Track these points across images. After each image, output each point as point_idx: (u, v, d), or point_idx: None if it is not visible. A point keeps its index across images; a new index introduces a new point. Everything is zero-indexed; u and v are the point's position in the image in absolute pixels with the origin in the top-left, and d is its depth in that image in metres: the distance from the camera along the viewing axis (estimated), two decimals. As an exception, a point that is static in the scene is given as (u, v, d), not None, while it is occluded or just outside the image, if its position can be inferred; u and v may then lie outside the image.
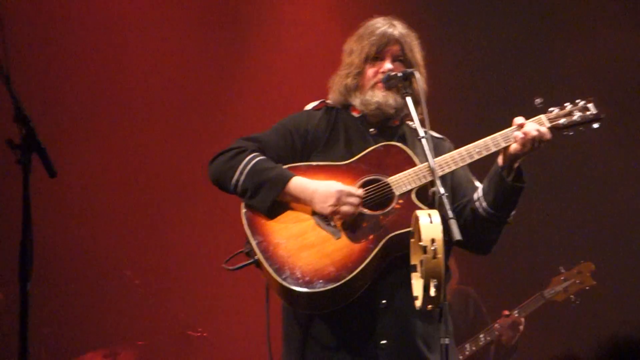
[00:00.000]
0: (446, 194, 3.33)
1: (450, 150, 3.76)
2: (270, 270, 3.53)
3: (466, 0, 7.46)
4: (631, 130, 7.17)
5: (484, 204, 3.65)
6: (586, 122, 3.72)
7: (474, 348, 6.04)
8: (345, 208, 3.56)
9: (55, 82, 7.16)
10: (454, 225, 3.23)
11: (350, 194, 3.57)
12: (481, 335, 6.06)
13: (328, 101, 3.89)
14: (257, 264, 3.60)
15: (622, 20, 7.24)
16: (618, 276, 6.74)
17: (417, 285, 3.25)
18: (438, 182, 3.35)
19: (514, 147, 3.59)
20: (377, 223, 3.58)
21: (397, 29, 3.80)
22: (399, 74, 3.68)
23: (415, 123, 3.55)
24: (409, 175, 3.63)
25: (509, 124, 3.65)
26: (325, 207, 3.58)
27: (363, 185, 3.66)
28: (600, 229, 7.24)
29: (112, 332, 6.97)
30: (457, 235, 3.21)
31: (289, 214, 3.65)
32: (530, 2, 7.44)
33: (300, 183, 3.62)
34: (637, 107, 7.20)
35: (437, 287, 3.16)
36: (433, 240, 3.16)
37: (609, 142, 7.13)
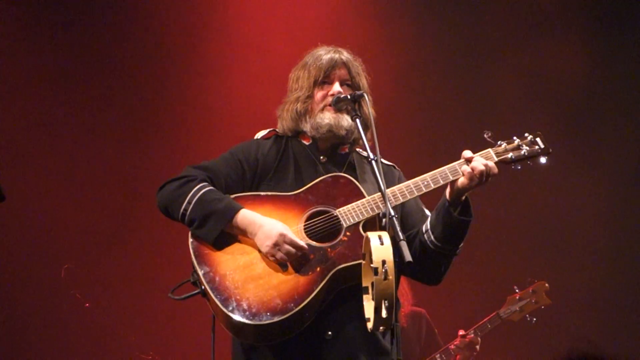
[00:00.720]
0: (396, 216, 3.34)
1: (399, 178, 3.80)
2: (217, 302, 3.51)
3: (414, 27, 7.49)
4: (580, 151, 7.26)
5: (432, 237, 3.67)
6: (534, 156, 3.79)
7: (430, 369, 6.06)
8: (279, 255, 3.55)
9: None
10: (404, 247, 3.24)
11: (291, 243, 3.55)
12: (437, 356, 6.07)
13: (277, 130, 3.89)
14: (204, 294, 3.58)
15: (566, 38, 7.35)
16: (571, 294, 6.79)
17: (368, 307, 3.26)
18: (388, 204, 3.36)
19: (462, 181, 3.61)
20: (324, 255, 3.58)
21: (343, 54, 3.84)
22: (348, 96, 3.70)
23: (365, 146, 3.57)
24: (358, 207, 3.63)
25: (458, 152, 3.67)
26: (264, 247, 3.57)
27: (310, 217, 3.65)
28: (552, 248, 7.30)
29: (61, 354, 6.87)
30: (407, 256, 3.22)
31: (236, 246, 3.64)
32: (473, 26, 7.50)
33: (247, 217, 3.61)
34: (583, 127, 7.29)
35: (389, 309, 3.17)
36: (384, 262, 3.17)
37: (559, 163, 7.21)
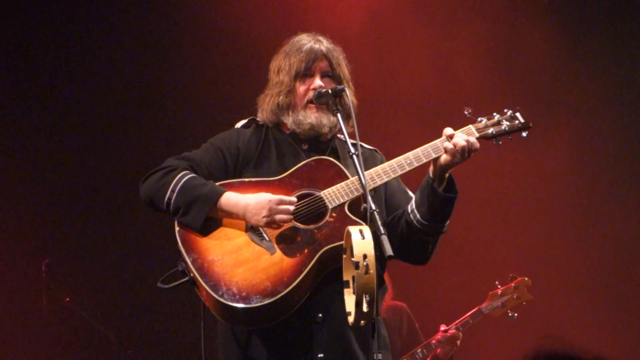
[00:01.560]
0: (377, 210, 3.35)
1: (382, 162, 3.80)
2: (207, 287, 3.51)
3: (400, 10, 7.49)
4: (562, 141, 7.28)
5: (418, 216, 3.68)
6: (514, 130, 3.80)
7: (411, 363, 6.07)
8: (279, 216, 3.56)
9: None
10: (385, 241, 3.24)
11: (282, 202, 3.57)
12: (418, 350, 6.09)
13: (257, 119, 3.90)
14: (193, 281, 3.58)
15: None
16: (545, 291, 6.81)
17: (349, 301, 3.26)
18: (369, 199, 3.36)
19: (444, 157, 3.64)
20: (311, 237, 3.59)
21: (324, 44, 3.82)
22: (329, 91, 3.71)
23: (346, 139, 3.57)
24: (342, 188, 3.65)
25: (439, 135, 3.70)
26: (260, 219, 3.57)
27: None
28: (534, 244, 7.33)
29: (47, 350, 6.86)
30: (388, 251, 3.23)
31: (222, 231, 3.64)
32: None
33: (231, 198, 3.61)
34: (564, 118, 7.31)
35: (370, 303, 3.18)
36: (365, 256, 3.17)
37: (541, 156, 7.24)
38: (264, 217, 3.56)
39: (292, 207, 3.58)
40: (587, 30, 7.38)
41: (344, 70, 3.82)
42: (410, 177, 3.80)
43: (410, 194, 3.83)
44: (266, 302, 3.48)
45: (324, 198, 3.65)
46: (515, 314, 6.10)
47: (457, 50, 7.37)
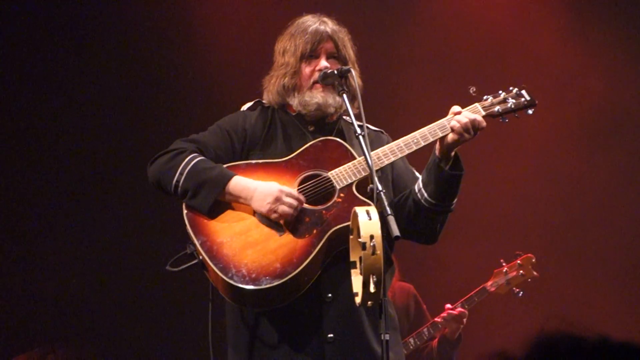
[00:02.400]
0: (383, 191, 3.35)
1: (388, 142, 3.80)
2: (216, 269, 3.51)
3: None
4: (568, 121, 7.27)
5: (425, 194, 3.68)
6: (520, 108, 3.81)
7: (418, 342, 6.09)
8: (283, 208, 3.56)
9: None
10: (392, 221, 3.24)
11: (290, 195, 3.58)
12: (425, 330, 6.11)
13: (263, 101, 3.90)
14: (202, 264, 3.59)
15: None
16: (549, 269, 6.82)
17: (356, 281, 3.27)
18: (375, 179, 3.36)
19: (451, 136, 3.64)
20: (320, 217, 3.60)
21: (329, 25, 3.82)
22: (335, 72, 3.70)
23: (352, 120, 3.57)
24: (349, 168, 3.66)
25: (445, 114, 3.70)
26: (263, 206, 3.57)
27: (303, 181, 3.67)
28: (538, 222, 7.33)
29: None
30: (395, 232, 3.23)
31: (230, 213, 3.64)
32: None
33: (240, 182, 3.61)
34: (572, 98, 7.30)
35: (377, 283, 3.18)
36: (372, 237, 3.17)
37: (548, 134, 7.23)
38: (268, 204, 3.56)
39: (296, 204, 3.57)
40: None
41: (350, 51, 3.82)
42: (414, 158, 3.80)
43: (417, 174, 3.84)
44: (276, 283, 3.49)
45: (332, 178, 3.65)
46: (521, 292, 6.10)
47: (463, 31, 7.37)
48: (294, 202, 3.57)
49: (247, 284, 3.49)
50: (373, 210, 3.25)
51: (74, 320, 6.96)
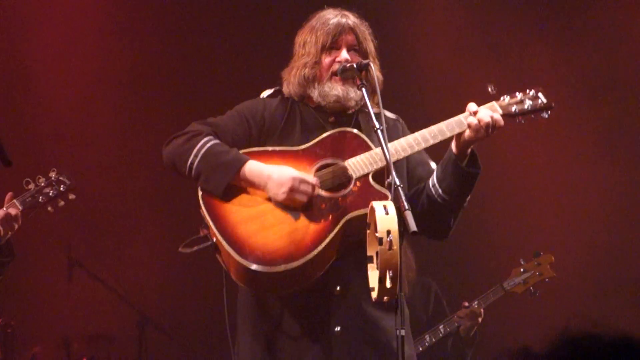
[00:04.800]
0: (401, 185, 3.32)
1: (404, 131, 3.81)
2: (231, 251, 3.50)
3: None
4: (587, 123, 7.22)
5: (440, 190, 3.67)
6: (537, 110, 3.80)
7: (433, 339, 6.05)
8: (298, 196, 3.55)
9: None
10: (409, 217, 3.21)
11: (304, 181, 3.56)
12: (441, 327, 6.07)
13: (283, 91, 3.88)
14: (215, 246, 3.58)
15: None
16: (571, 268, 6.77)
17: (372, 276, 3.25)
18: (394, 174, 3.34)
19: (468, 133, 3.62)
20: (335, 204, 3.59)
21: (350, 18, 3.82)
22: (355, 65, 3.68)
23: (371, 114, 3.54)
24: (366, 158, 3.65)
25: (462, 111, 3.68)
26: (279, 194, 3.56)
27: (319, 169, 3.66)
28: (559, 221, 7.28)
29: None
30: (412, 227, 3.20)
31: (245, 197, 3.63)
32: None
33: (255, 167, 3.60)
34: (592, 100, 7.25)
35: (393, 279, 3.16)
36: (389, 232, 3.15)
37: (570, 133, 7.18)
38: (283, 192, 3.55)
39: (311, 190, 3.56)
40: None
41: (370, 45, 3.81)
42: (429, 151, 3.79)
43: (433, 164, 3.82)
44: (290, 266, 3.47)
45: (348, 167, 3.64)
46: (538, 291, 6.06)
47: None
48: (309, 189, 3.56)
49: (262, 266, 3.47)
50: (390, 205, 3.24)
51: (88, 311, 6.97)
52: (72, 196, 4.24)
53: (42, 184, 4.21)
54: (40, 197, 4.19)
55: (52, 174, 4.22)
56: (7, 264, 4.08)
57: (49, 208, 4.23)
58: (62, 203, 4.24)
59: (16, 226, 4.06)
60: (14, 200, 4.10)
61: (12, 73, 7.01)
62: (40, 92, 7.02)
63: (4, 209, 4.04)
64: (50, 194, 4.20)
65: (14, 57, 7.00)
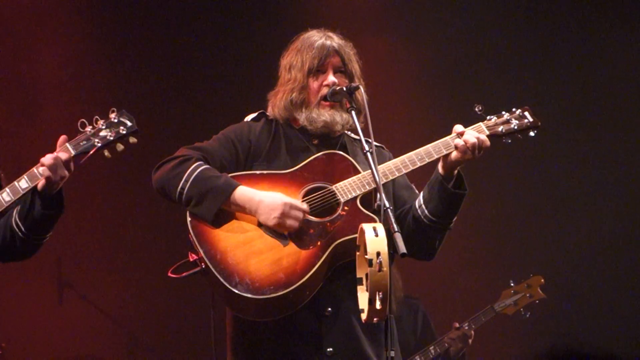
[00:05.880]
0: (390, 207, 3.34)
1: (390, 159, 3.81)
2: (220, 278, 3.51)
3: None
4: (578, 142, 7.25)
5: (426, 211, 3.69)
6: (523, 129, 3.83)
7: (423, 360, 6.05)
8: (289, 222, 3.57)
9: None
10: (398, 239, 3.24)
11: (295, 207, 3.58)
12: (431, 348, 6.07)
13: (267, 113, 3.90)
14: (204, 272, 3.58)
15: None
16: (559, 289, 6.78)
17: (362, 298, 3.27)
18: (383, 196, 3.36)
19: (455, 154, 3.64)
20: (324, 229, 3.60)
21: (335, 40, 3.84)
22: (344, 88, 3.71)
23: (361, 137, 3.57)
24: (354, 182, 3.67)
25: (448, 132, 3.70)
26: (270, 219, 3.57)
27: (307, 193, 3.67)
28: (548, 242, 7.30)
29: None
30: (402, 249, 3.22)
31: (234, 223, 3.64)
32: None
33: (246, 192, 3.61)
34: (583, 118, 7.28)
35: (383, 300, 3.18)
36: (378, 254, 3.17)
37: (555, 156, 7.20)
38: (274, 217, 3.56)
39: (302, 216, 3.58)
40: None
41: (355, 65, 3.83)
42: (413, 173, 3.81)
43: (415, 190, 3.85)
44: (279, 293, 3.48)
45: (336, 191, 3.66)
46: (528, 313, 6.08)
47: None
48: (300, 215, 3.57)
49: (250, 293, 3.48)
50: (380, 227, 3.26)
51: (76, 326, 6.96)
52: (133, 140, 3.62)
53: (100, 126, 3.60)
54: (97, 140, 3.59)
55: (112, 115, 3.62)
56: (57, 218, 3.62)
57: (106, 152, 3.62)
58: (121, 147, 3.62)
59: (68, 174, 3.53)
60: (67, 144, 3.57)
61: (15, 92, 7.02)
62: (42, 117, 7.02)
63: (55, 153, 3.55)
64: (109, 136, 3.59)
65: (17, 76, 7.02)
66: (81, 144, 3.60)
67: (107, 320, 6.84)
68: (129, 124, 3.64)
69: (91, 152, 3.61)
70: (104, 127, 3.61)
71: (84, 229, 7.08)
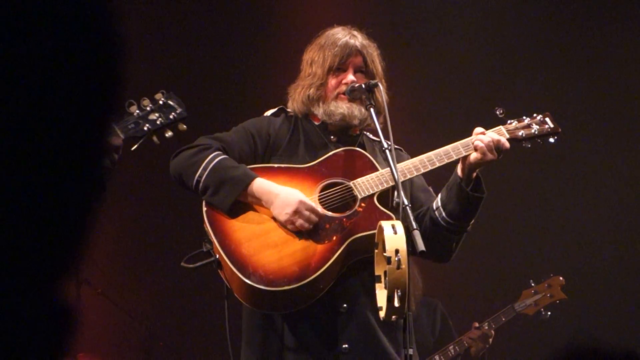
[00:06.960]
0: (409, 205, 3.34)
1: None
2: (233, 269, 3.49)
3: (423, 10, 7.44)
4: (599, 141, 7.21)
5: (444, 213, 3.68)
6: (543, 135, 3.83)
7: (443, 359, 6.03)
8: (300, 222, 3.55)
9: None
10: (417, 236, 3.23)
11: (311, 209, 3.57)
12: (451, 347, 6.05)
13: (287, 109, 3.90)
14: (218, 263, 3.57)
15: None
16: (579, 288, 6.75)
17: (381, 295, 3.26)
18: (402, 193, 3.35)
19: (474, 156, 3.63)
20: (340, 225, 3.59)
21: (358, 39, 3.82)
22: (363, 86, 3.70)
23: (380, 135, 3.56)
24: (372, 179, 3.66)
25: (468, 135, 3.70)
26: (282, 214, 3.56)
27: (324, 188, 3.67)
28: (569, 242, 7.27)
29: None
30: (420, 246, 3.21)
31: (251, 214, 3.63)
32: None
33: (263, 185, 3.60)
34: (605, 119, 7.24)
35: (401, 298, 3.17)
36: (397, 251, 3.16)
37: (576, 156, 7.17)
38: (286, 213, 3.55)
39: (315, 219, 3.56)
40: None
41: (377, 66, 3.82)
42: (430, 175, 3.81)
43: (432, 193, 3.84)
44: (293, 286, 3.47)
45: (353, 188, 3.65)
46: (549, 313, 6.05)
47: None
48: (313, 217, 3.56)
49: (264, 285, 3.46)
50: (399, 224, 3.25)
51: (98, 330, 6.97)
52: (183, 127, 3.41)
53: (148, 109, 3.34)
54: (146, 124, 3.33)
55: (160, 97, 3.36)
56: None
57: (154, 138, 3.36)
58: (169, 134, 3.39)
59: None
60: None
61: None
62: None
63: None
64: (158, 121, 3.35)
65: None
66: (129, 127, 3.30)
67: (123, 316, 6.86)
68: (179, 109, 3.44)
69: (144, 138, 3.33)
70: (152, 109, 3.36)
71: (99, 223, 7.07)
